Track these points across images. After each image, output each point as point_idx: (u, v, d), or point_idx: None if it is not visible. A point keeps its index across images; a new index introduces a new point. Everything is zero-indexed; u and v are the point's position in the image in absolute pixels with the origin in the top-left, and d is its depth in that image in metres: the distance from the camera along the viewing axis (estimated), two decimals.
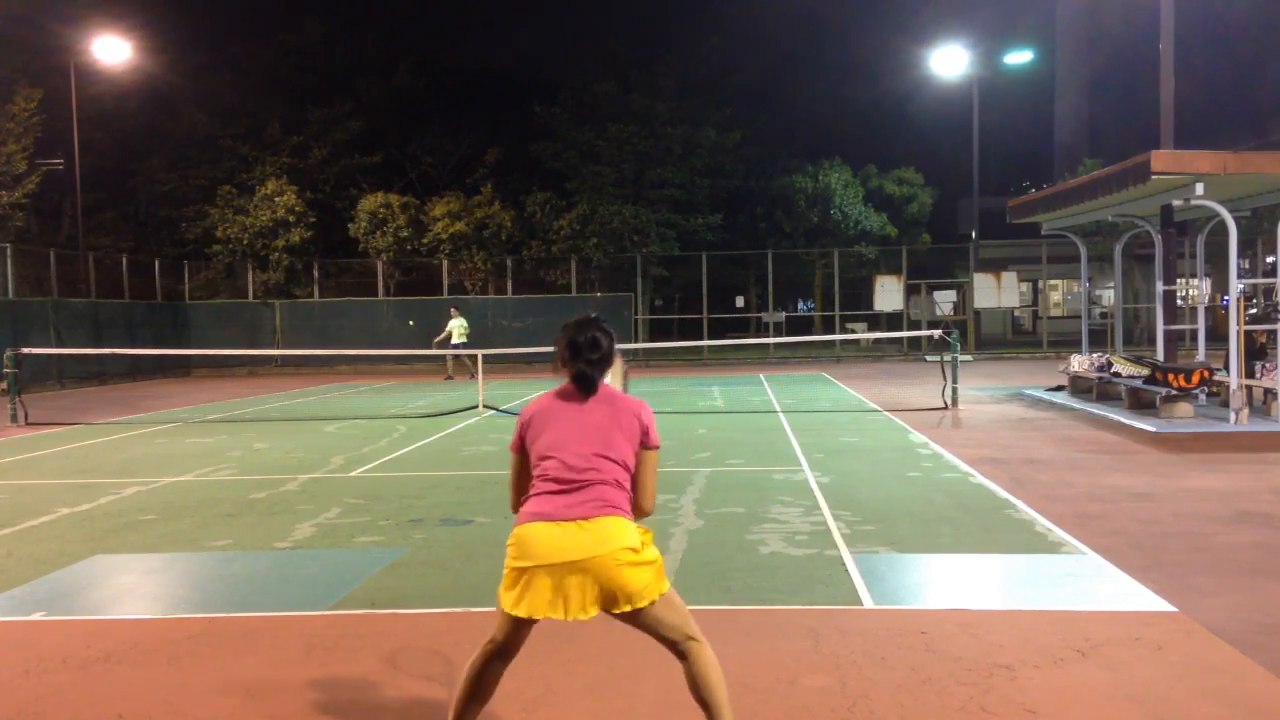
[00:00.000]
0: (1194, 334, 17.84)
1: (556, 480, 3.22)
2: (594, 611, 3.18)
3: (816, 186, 34.68)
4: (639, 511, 3.34)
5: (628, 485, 3.29)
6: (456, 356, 22.61)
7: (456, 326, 23.10)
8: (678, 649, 3.25)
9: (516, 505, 3.39)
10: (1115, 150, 23.59)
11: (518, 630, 3.29)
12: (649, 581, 3.19)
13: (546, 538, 3.16)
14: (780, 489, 8.37)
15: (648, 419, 3.33)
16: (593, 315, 3.41)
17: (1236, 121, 35.61)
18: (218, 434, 13.39)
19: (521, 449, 3.37)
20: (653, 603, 3.19)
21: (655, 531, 6.98)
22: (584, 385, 3.31)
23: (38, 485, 9.48)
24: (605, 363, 3.34)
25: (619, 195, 33.28)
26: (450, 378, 23.30)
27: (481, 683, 3.34)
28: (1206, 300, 16.20)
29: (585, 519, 3.16)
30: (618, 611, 3.20)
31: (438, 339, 23.45)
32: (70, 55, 27.39)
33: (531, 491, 3.29)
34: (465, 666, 3.38)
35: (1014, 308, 36.48)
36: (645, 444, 3.32)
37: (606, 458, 3.24)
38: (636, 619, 3.22)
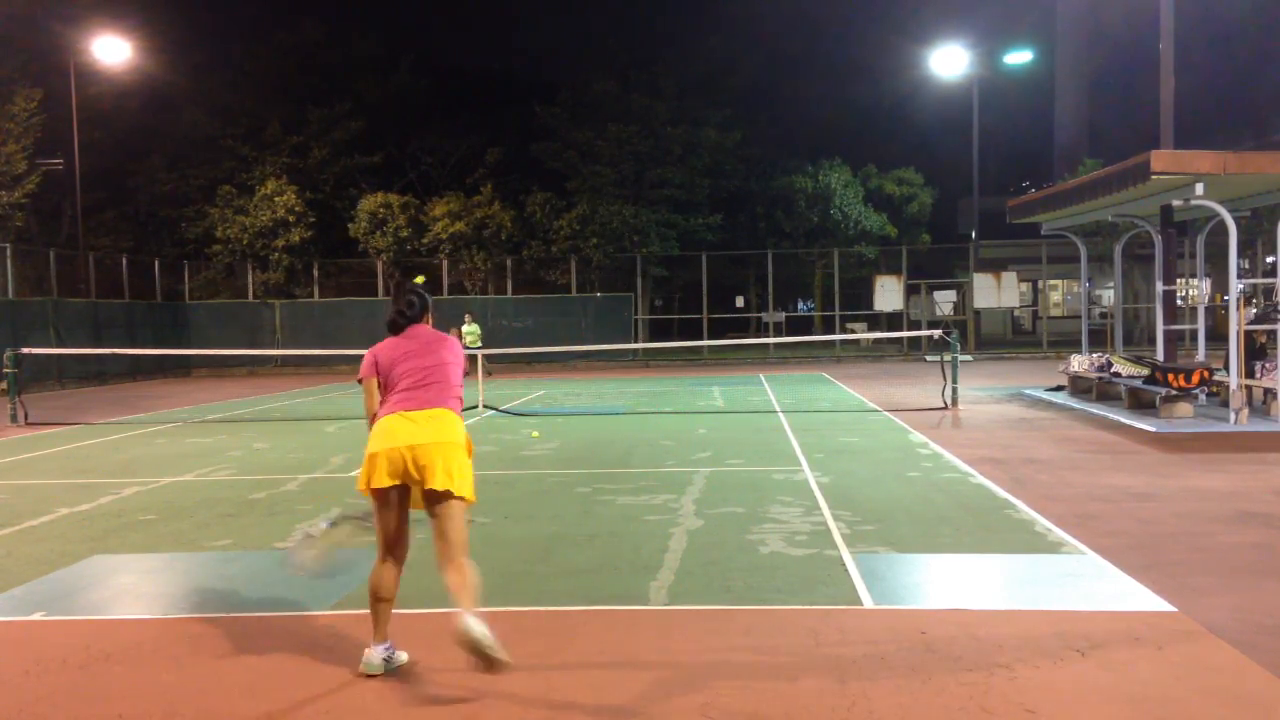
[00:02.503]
0: (1194, 334, 17.84)
1: (410, 387, 4.27)
2: (436, 484, 4.11)
3: (816, 186, 34.68)
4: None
5: (459, 393, 4.39)
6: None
7: (469, 333, 23.10)
8: (452, 558, 4.15)
9: (373, 419, 4.35)
10: (1115, 150, 23.59)
11: (392, 517, 4.25)
12: (468, 478, 4.23)
13: (400, 424, 4.18)
14: (780, 489, 8.37)
15: (453, 340, 4.53)
16: (409, 282, 4.53)
17: (1236, 121, 35.61)
18: (218, 434, 13.39)
19: (374, 376, 4.37)
20: (461, 499, 4.18)
21: (653, 529, 6.99)
22: (392, 327, 4.44)
23: (38, 485, 9.48)
24: (424, 312, 4.47)
25: (619, 195, 33.29)
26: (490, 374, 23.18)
27: (381, 589, 4.26)
28: (1206, 300, 16.19)
29: (431, 410, 4.22)
30: (441, 490, 4.12)
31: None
32: (70, 55, 27.40)
33: (390, 396, 4.29)
34: (369, 583, 4.30)
35: (1014, 308, 36.49)
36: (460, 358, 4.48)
37: (447, 378, 4.33)
38: (444, 507, 4.16)
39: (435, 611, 5.17)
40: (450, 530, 4.17)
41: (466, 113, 39.09)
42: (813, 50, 54.83)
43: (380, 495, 4.20)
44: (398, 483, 4.16)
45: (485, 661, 3.84)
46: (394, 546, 4.28)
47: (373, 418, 4.35)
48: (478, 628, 3.84)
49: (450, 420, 4.24)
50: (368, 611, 5.16)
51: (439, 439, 4.15)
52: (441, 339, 4.46)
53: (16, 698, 4.13)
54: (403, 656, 4.35)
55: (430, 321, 4.54)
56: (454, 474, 4.14)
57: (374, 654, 4.25)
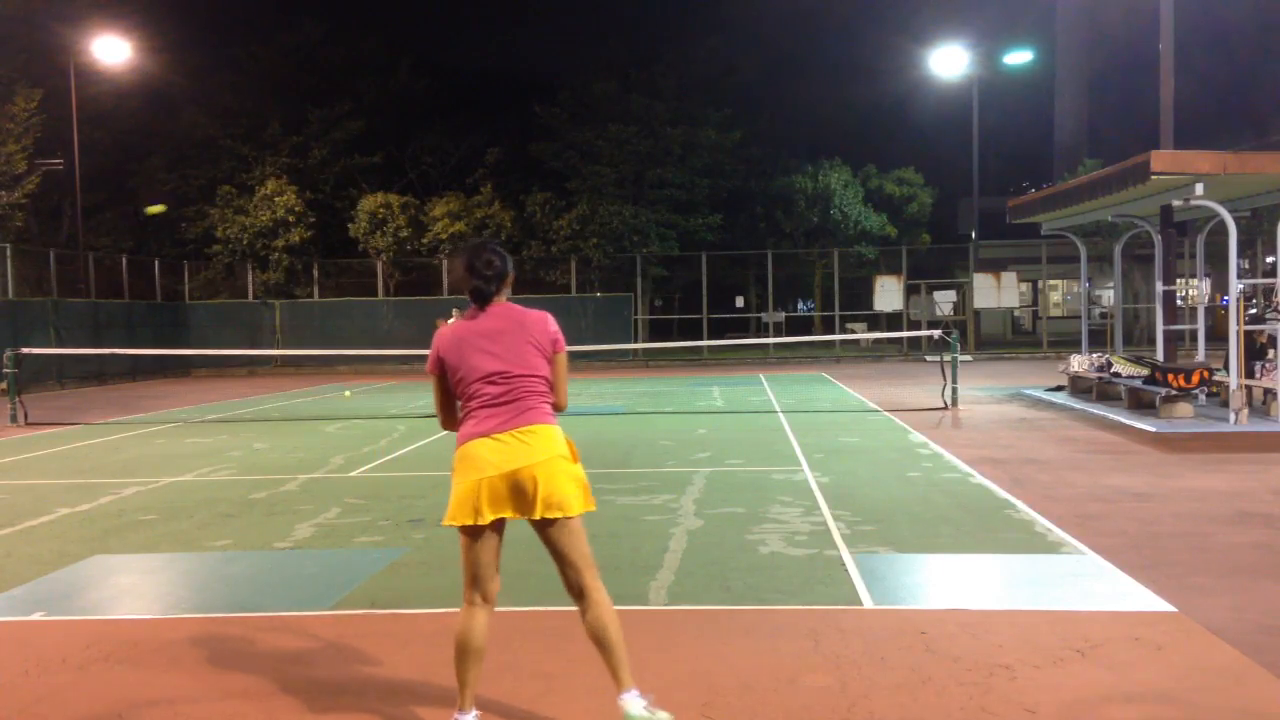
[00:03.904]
0: (1194, 334, 17.83)
1: (491, 401, 3.56)
2: (539, 513, 3.49)
3: (816, 186, 34.66)
4: (557, 407, 3.72)
5: (549, 395, 3.66)
6: None
7: None
8: (581, 586, 3.56)
9: (446, 423, 3.77)
10: (1115, 150, 23.59)
11: (481, 552, 3.56)
12: (576, 494, 3.56)
13: (490, 452, 3.51)
14: (780, 489, 8.37)
15: (554, 330, 3.69)
16: (486, 239, 3.75)
17: (1236, 121, 35.59)
18: (218, 434, 13.39)
19: (440, 372, 3.67)
20: (576, 518, 3.55)
21: (653, 530, 7.00)
22: (480, 299, 3.62)
23: (38, 485, 9.48)
24: (501, 279, 3.65)
25: (619, 195, 33.28)
26: None
27: (473, 638, 3.56)
28: (1206, 300, 16.19)
29: (521, 429, 3.54)
30: (551, 517, 3.51)
31: None
32: (70, 55, 27.37)
33: (467, 413, 3.62)
34: (456, 633, 3.59)
35: (1014, 308, 36.48)
36: (555, 350, 3.68)
37: (529, 375, 3.59)
38: (558, 531, 3.53)
39: (435, 611, 5.17)
40: (569, 551, 3.56)
41: (466, 113, 39.09)
42: (813, 50, 54.85)
43: (471, 531, 3.55)
44: (493, 518, 3.53)
45: None
46: (484, 583, 3.59)
47: (448, 420, 3.76)
48: (639, 712, 3.49)
49: (545, 435, 3.56)
50: (368, 612, 5.18)
51: (536, 459, 3.51)
52: (524, 322, 3.63)
53: (16, 698, 4.13)
54: None
55: (509, 288, 3.75)
56: (558, 494, 3.52)
57: None
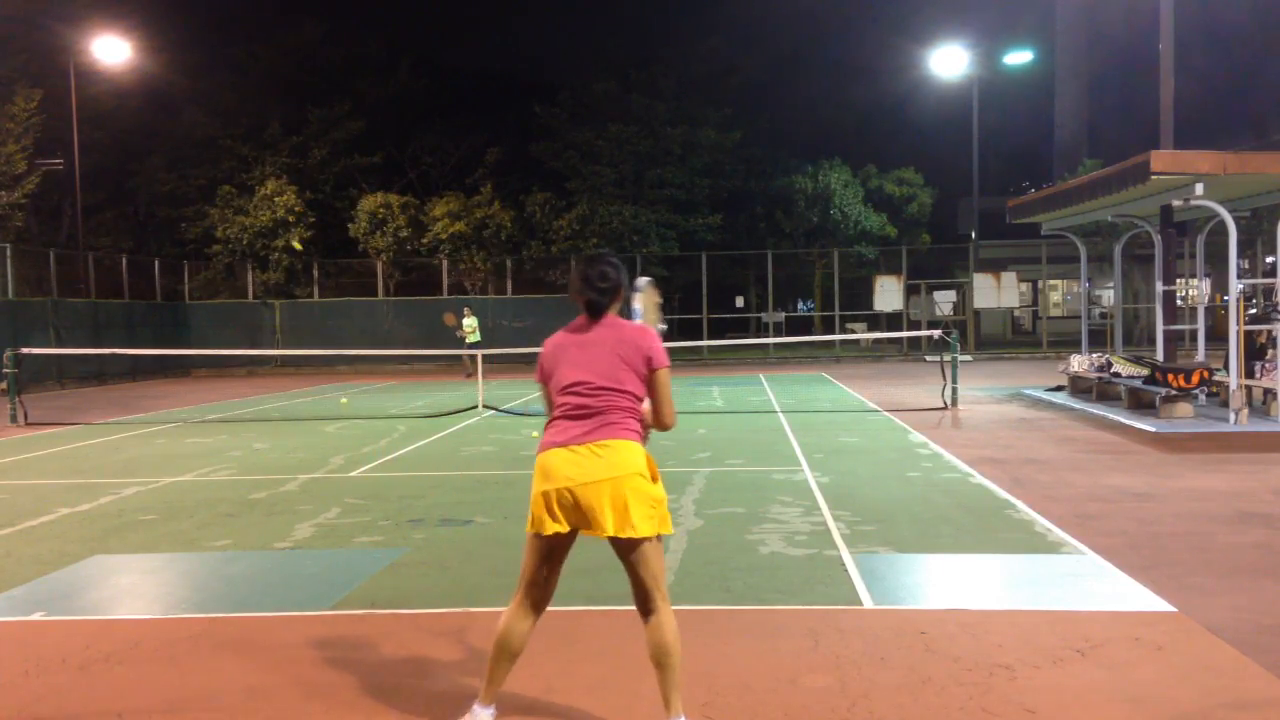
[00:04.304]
0: (1194, 334, 17.83)
1: (571, 411, 3.54)
2: (609, 530, 3.43)
3: (816, 186, 34.66)
4: (660, 425, 3.67)
5: (637, 410, 3.59)
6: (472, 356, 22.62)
7: (469, 326, 23.16)
8: (648, 603, 3.50)
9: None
10: (1115, 150, 23.56)
11: (546, 561, 3.55)
12: (650, 514, 3.48)
13: (563, 463, 3.47)
14: (780, 489, 8.37)
15: (649, 345, 3.61)
16: (603, 251, 3.83)
17: (1236, 121, 35.58)
18: (218, 434, 13.39)
19: (544, 379, 3.69)
20: (648, 539, 3.46)
21: None
22: (592, 311, 3.61)
23: (38, 485, 9.48)
24: (614, 292, 3.62)
25: (619, 195, 33.29)
26: (470, 375, 23.11)
27: (512, 640, 3.58)
28: (1206, 300, 16.19)
29: (597, 443, 3.47)
30: (620, 537, 3.44)
31: (460, 333, 23.36)
32: (70, 55, 27.38)
33: (550, 422, 3.62)
34: (498, 629, 3.60)
35: (1014, 308, 36.47)
36: (651, 367, 3.60)
37: (613, 389, 3.53)
38: (630, 552, 3.48)
39: (435, 611, 5.17)
40: (639, 570, 3.50)
41: (466, 113, 39.10)
42: (813, 50, 54.85)
43: (536, 539, 3.54)
44: (563, 530, 3.49)
45: None
46: (535, 591, 3.59)
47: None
48: None
49: (622, 450, 3.48)
50: (368, 612, 5.18)
51: (608, 475, 3.43)
52: (620, 336, 3.59)
53: (16, 698, 4.13)
54: None
55: (620, 301, 3.71)
56: (630, 513, 3.42)
57: (479, 718, 3.62)
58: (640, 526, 3.44)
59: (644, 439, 3.61)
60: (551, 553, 3.55)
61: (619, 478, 3.44)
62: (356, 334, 29.95)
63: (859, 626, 4.77)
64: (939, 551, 6.19)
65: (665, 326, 4.48)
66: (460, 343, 23.01)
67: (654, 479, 3.54)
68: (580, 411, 3.53)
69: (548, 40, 64.06)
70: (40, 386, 22.31)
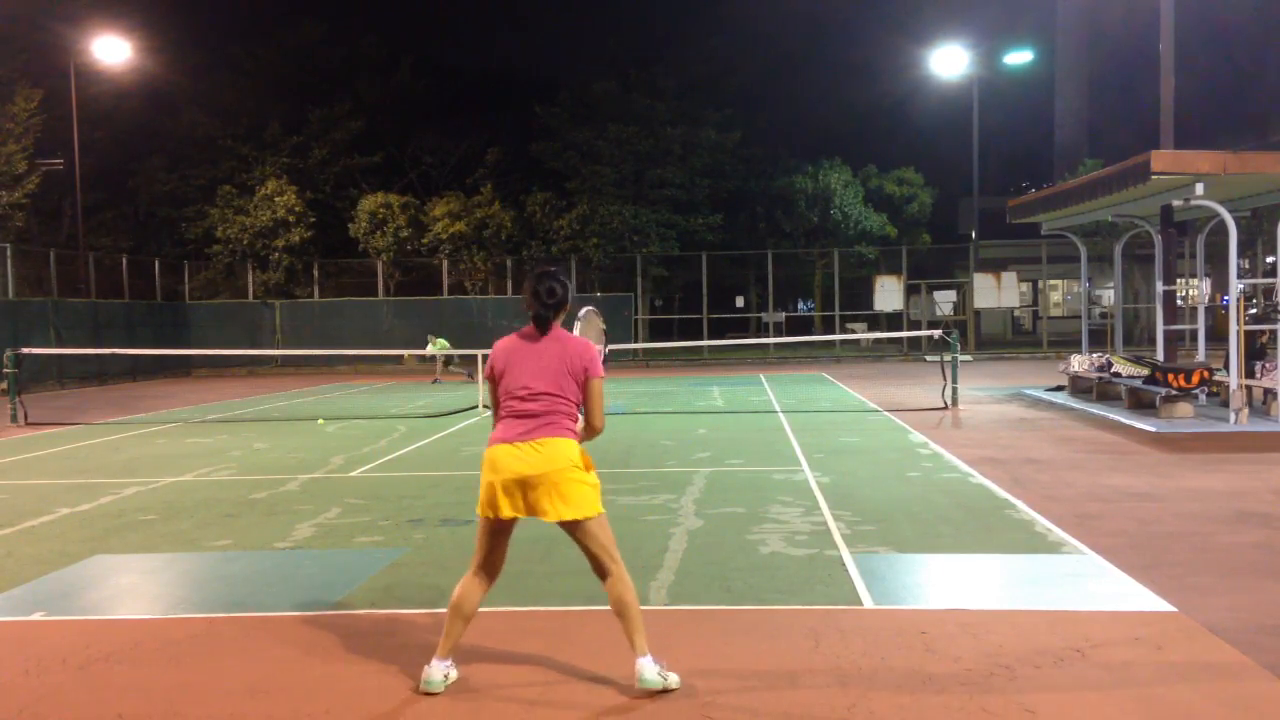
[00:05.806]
0: (1194, 334, 17.83)
1: (517, 411, 4.03)
2: (554, 516, 3.95)
3: (816, 186, 34.67)
4: (590, 430, 4.15)
5: (574, 414, 4.08)
6: (446, 361, 22.38)
7: (439, 344, 22.50)
8: (603, 569, 4.04)
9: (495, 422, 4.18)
10: (1115, 150, 23.57)
11: (495, 540, 4.08)
12: (589, 497, 4.01)
13: (508, 457, 3.98)
14: (780, 489, 8.37)
15: (588, 359, 4.07)
16: (552, 268, 4.13)
17: (1236, 121, 35.57)
18: (218, 434, 13.39)
19: (493, 378, 4.14)
20: (589, 519, 3.99)
21: (653, 529, 7.00)
22: (539, 325, 4.06)
23: (38, 485, 9.48)
24: (560, 307, 4.06)
25: (619, 195, 33.28)
26: (437, 380, 22.89)
27: (466, 603, 4.08)
28: (1206, 300, 16.19)
29: (537, 441, 3.97)
30: (563, 520, 3.96)
31: (424, 352, 22.95)
32: (70, 55, 27.39)
33: (499, 419, 4.10)
34: (454, 595, 4.09)
35: (1014, 308, 36.47)
36: (588, 376, 4.07)
37: (555, 394, 4.01)
38: (576, 530, 4.01)
39: (435, 611, 5.17)
40: (591, 546, 4.04)
41: (466, 113, 39.10)
42: (813, 50, 54.79)
43: (486, 522, 4.06)
44: (508, 516, 4.00)
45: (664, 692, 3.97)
46: (488, 565, 4.13)
47: (495, 420, 4.20)
48: (652, 676, 3.95)
49: (559, 447, 3.97)
50: (368, 612, 5.18)
51: (548, 468, 3.94)
52: (565, 348, 4.04)
53: (16, 698, 4.13)
54: (455, 674, 4.14)
55: (565, 314, 4.14)
56: (570, 499, 3.95)
57: (435, 670, 4.05)
58: (581, 509, 3.97)
59: (580, 437, 4.10)
60: (497, 534, 4.08)
61: (557, 470, 3.94)
62: (356, 334, 29.95)
63: (859, 626, 4.77)
64: (939, 551, 6.19)
65: (608, 349, 5.03)
66: (436, 360, 22.53)
67: (588, 469, 4.04)
68: (525, 412, 4.01)
69: (548, 40, 64.09)
70: (40, 386, 22.32)
